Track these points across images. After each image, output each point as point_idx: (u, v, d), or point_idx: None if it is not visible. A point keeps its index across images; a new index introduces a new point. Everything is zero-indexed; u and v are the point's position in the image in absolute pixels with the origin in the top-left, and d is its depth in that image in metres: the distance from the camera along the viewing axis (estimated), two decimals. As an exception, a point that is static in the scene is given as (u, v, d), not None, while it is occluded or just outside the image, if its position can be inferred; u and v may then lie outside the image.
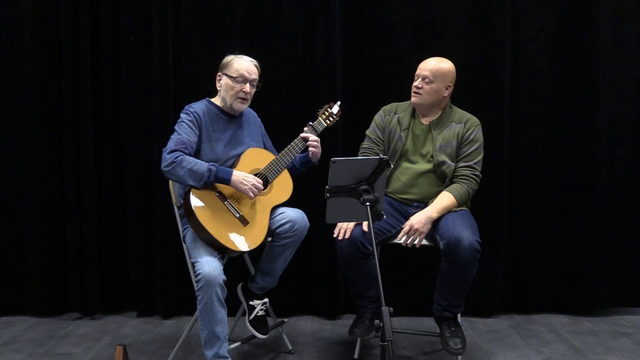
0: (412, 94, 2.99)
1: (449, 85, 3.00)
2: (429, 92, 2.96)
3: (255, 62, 2.91)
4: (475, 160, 2.97)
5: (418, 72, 2.99)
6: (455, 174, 2.97)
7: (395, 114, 3.10)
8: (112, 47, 3.60)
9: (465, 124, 3.00)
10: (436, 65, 2.96)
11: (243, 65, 2.87)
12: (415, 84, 2.98)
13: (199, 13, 3.58)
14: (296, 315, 3.71)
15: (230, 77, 2.86)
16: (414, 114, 3.07)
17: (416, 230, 2.83)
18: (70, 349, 3.21)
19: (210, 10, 3.57)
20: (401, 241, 2.90)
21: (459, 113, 3.05)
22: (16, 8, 3.56)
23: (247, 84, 2.87)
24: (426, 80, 2.95)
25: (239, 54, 2.93)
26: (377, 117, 3.14)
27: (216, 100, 2.95)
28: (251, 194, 2.73)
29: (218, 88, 2.93)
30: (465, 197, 2.93)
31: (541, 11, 3.59)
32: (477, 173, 2.98)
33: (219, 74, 2.92)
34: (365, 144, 3.13)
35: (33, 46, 3.57)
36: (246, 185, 2.72)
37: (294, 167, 3.04)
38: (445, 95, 3.00)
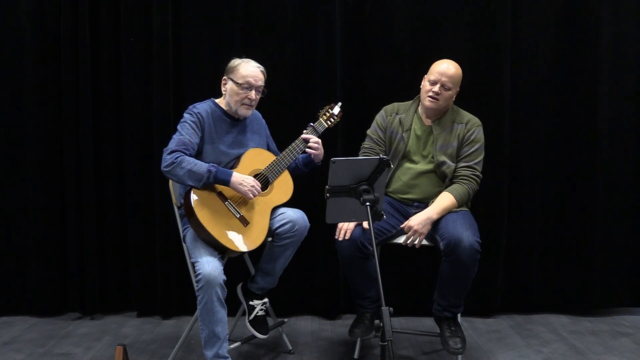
0: (429, 98, 2.94)
1: (457, 91, 3.01)
2: (446, 97, 2.95)
3: (261, 68, 2.89)
4: (475, 161, 2.97)
5: (436, 77, 2.93)
6: (456, 174, 2.97)
7: (397, 114, 3.09)
8: (112, 47, 3.60)
9: (467, 125, 3.00)
10: (456, 73, 2.95)
11: (249, 71, 2.84)
12: (434, 89, 2.92)
13: (199, 13, 3.57)
14: (296, 315, 3.71)
15: (236, 82, 2.84)
16: (415, 114, 3.07)
17: (415, 231, 2.83)
18: (70, 349, 3.21)
19: (210, 10, 3.57)
20: (401, 241, 2.91)
21: (461, 114, 3.05)
22: (16, 8, 3.56)
23: (253, 91, 2.85)
24: (445, 86, 2.92)
25: (245, 57, 2.91)
26: (379, 117, 3.14)
27: (221, 102, 2.94)
28: (250, 195, 2.73)
29: (223, 92, 2.90)
30: (465, 198, 2.93)
31: (541, 11, 3.59)
32: (478, 173, 2.98)
33: (224, 77, 2.89)
34: (367, 143, 3.13)
35: (33, 46, 3.57)
36: (245, 187, 2.72)
37: (297, 168, 3.04)
38: (453, 99, 3.01)
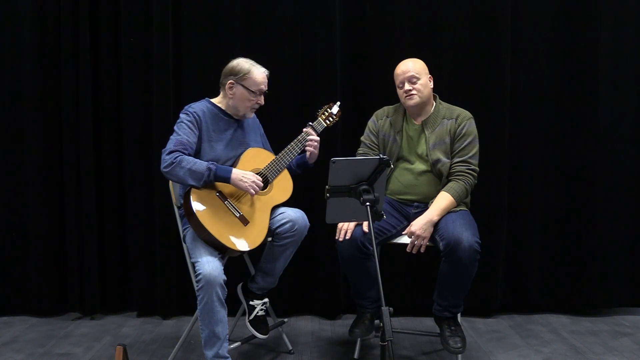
0: (407, 99, 2.96)
1: (430, 77, 3.03)
2: (421, 89, 2.96)
3: (267, 72, 2.91)
4: (469, 154, 2.96)
5: (401, 78, 2.98)
6: (451, 170, 2.96)
7: (387, 117, 3.10)
8: (112, 47, 3.61)
9: (457, 119, 3.00)
10: (414, 64, 2.99)
11: (261, 78, 2.86)
12: (405, 88, 2.95)
13: (199, 13, 3.58)
14: (296, 315, 3.71)
15: (248, 90, 2.84)
16: (405, 115, 3.07)
17: (419, 236, 2.83)
18: (70, 349, 3.21)
19: (210, 10, 3.57)
20: (402, 241, 2.91)
21: (449, 108, 3.05)
22: (16, 8, 3.56)
23: (262, 96, 2.89)
24: (413, 80, 2.95)
25: (245, 59, 2.89)
26: (370, 123, 3.15)
27: (216, 101, 2.94)
28: (252, 190, 2.73)
29: (230, 95, 2.88)
30: (463, 194, 2.93)
31: (541, 11, 3.59)
32: (473, 167, 2.97)
33: (231, 81, 2.85)
34: (361, 149, 3.13)
35: (33, 46, 3.57)
36: (246, 182, 2.72)
37: (290, 168, 3.03)
38: (431, 86, 3.02)
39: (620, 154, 3.64)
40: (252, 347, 3.22)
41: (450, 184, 2.93)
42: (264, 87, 2.87)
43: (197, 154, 2.81)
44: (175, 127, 2.82)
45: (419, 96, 2.96)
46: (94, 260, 3.63)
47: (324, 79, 3.56)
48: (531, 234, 3.68)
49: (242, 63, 2.88)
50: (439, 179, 2.98)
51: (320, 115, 3.05)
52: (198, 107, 2.88)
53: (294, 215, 2.82)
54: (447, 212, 2.88)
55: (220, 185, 2.76)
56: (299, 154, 2.96)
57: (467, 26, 3.57)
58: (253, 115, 3.03)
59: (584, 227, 3.64)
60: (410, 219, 2.98)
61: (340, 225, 2.84)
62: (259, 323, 2.94)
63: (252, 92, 2.85)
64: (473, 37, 3.58)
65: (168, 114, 3.51)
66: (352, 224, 2.82)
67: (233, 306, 2.95)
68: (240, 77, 2.85)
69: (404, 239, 2.94)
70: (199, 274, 2.58)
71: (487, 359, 3.06)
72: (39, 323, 3.60)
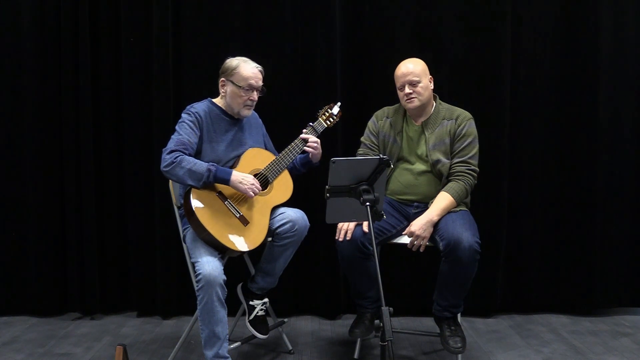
0: (407, 102, 2.96)
1: (431, 77, 3.02)
2: (421, 92, 2.95)
3: (260, 67, 2.89)
4: (469, 155, 2.96)
5: (401, 81, 2.96)
6: (451, 171, 2.96)
7: (387, 117, 3.10)
8: (112, 47, 3.61)
9: (457, 120, 3.00)
10: (415, 66, 2.97)
11: (250, 73, 2.83)
12: (405, 92, 2.95)
13: (199, 13, 3.58)
14: (296, 315, 3.71)
15: (237, 85, 2.83)
16: (405, 116, 3.07)
17: (418, 236, 2.83)
18: (70, 349, 3.21)
19: (210, 10, 3.57)
20: (402, 241, 2.91)
21: (449, 109, 3.05)
22: (16, 8, 3.56)
23: (254, 92, 2.86)
24: (414, 83, 2.94)
25: (240, 57, 2.89)
26: (370, 123, 3.15)
27: (218, 101, 2.94)
28: (251, 193, 2.73)
29: (222, 93, 2.90)
30: (463, 195, 2.93)
31: (541, 11, 3.59)
32: (473, 167, 2.97)
33: (222, 79, 2.88)
34: (361, 150, 3.13)
35: (33, 46, 3.57)
36: (245, 185, 2.72)
37: (295, 168, 3.04)
38: (432, 87, 3.01)
39: (620, 153, 3.64)
40: (252, 347, 3.22)
41: (450, 184, 2.94)
42: (254, 83, 2.84)
43: (197, 155, 2.80)
44: (176, 127, 2.82)
45: (419, 99, 2.96)
46: (94, 260, 3.63)
47: (324, 79, 3.56)
48: (531, 234, 3.68)
49: (232, 60, 2.88)
50: (439, 179, 2.98)
51: (321, 116, 3.05)
52: (200, 107, 2.88)
53: (294, 215, 2.82)
54: (447, 212, 2.88)
55: (220, 185, 2.76)
56: (301, 154, 2.96)
57: (467, 26, 3.57)
58: (253, 114, 3.03)
59: (584, 227, 3.64)
60: (410, 219, 2.98)
61: (340, 225, 2.84)
62: (259, 323, 2.94)
63: (241, 87, 2.83)
64: (473, 37, 3.58)
65: (168, 114, 3.51)
66: (352, 224, 2.82)
67: (233, 306, 2.95)
68: (229, 73, 2.85)
69: (404, 239, 2.94)
70: (199, 274, 2.58)
71: (487, 359, 3.06)
72: (39, 323, 3.60)
